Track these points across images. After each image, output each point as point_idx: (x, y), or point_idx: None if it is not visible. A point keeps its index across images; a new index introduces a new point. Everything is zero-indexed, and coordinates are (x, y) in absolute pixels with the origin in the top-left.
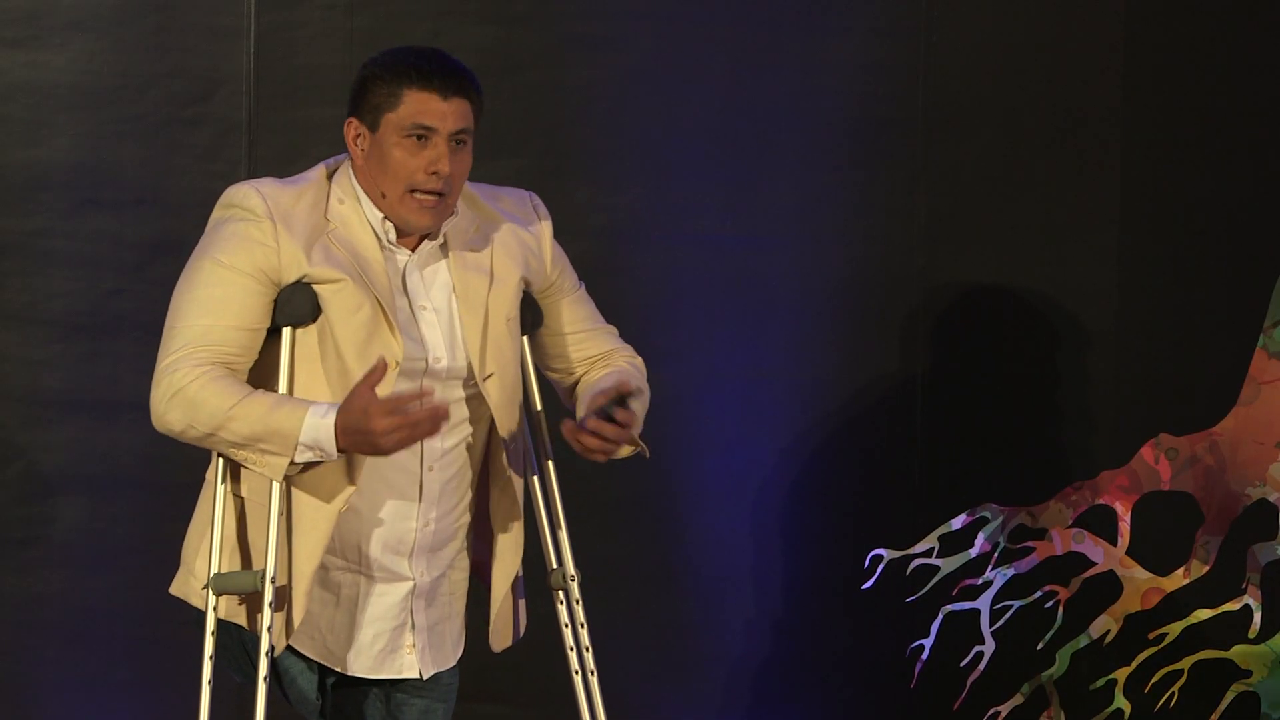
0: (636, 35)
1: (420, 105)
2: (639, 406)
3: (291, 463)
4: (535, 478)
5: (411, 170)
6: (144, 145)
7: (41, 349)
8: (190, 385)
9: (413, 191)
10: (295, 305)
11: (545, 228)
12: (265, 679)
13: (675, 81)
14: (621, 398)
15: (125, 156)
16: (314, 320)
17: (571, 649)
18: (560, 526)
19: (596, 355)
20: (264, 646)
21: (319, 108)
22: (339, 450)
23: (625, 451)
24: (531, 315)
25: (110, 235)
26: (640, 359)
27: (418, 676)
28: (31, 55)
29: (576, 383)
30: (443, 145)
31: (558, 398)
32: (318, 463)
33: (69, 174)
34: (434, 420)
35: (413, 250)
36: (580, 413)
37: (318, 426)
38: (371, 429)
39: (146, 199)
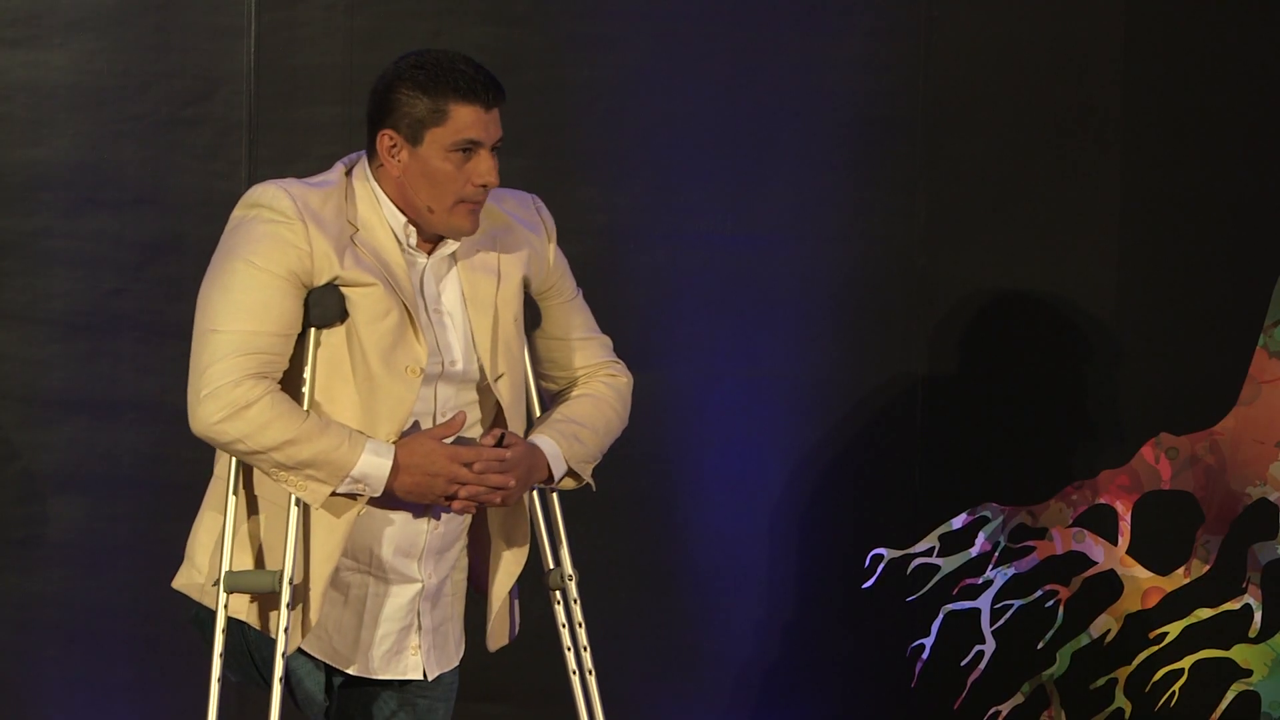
0: (636, 35)
1: (467, 120)
2: (542, 444)
3: (333, 492)
4: None
5: (461, 184)
6: (144, 145)
7: (41, 349)
8: (258, 404)
9: (462, 202)
10: (325, 307)
11: (549, 231)
12: (281, 680)
13: (675, 81)
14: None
15: (125, 156)
16: (340, 323)
17: (569, 649)
18: (558, 526)
19: (584, 367)
20: (280, 648)
21: (319, 107)
22: (387, 489)
23: (568, 484)
24: (529, 314)
25: (110, 235)
26: (627, 378)
27: (422, 677)
28: (31, 55)
29: (561, 393)
30: (489, 157)
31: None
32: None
33: (69, 174)
34: (501, 489)
35: (429, 254)
36: None
37: (373, 464)
38: (454, 475)
39: (146, 199)
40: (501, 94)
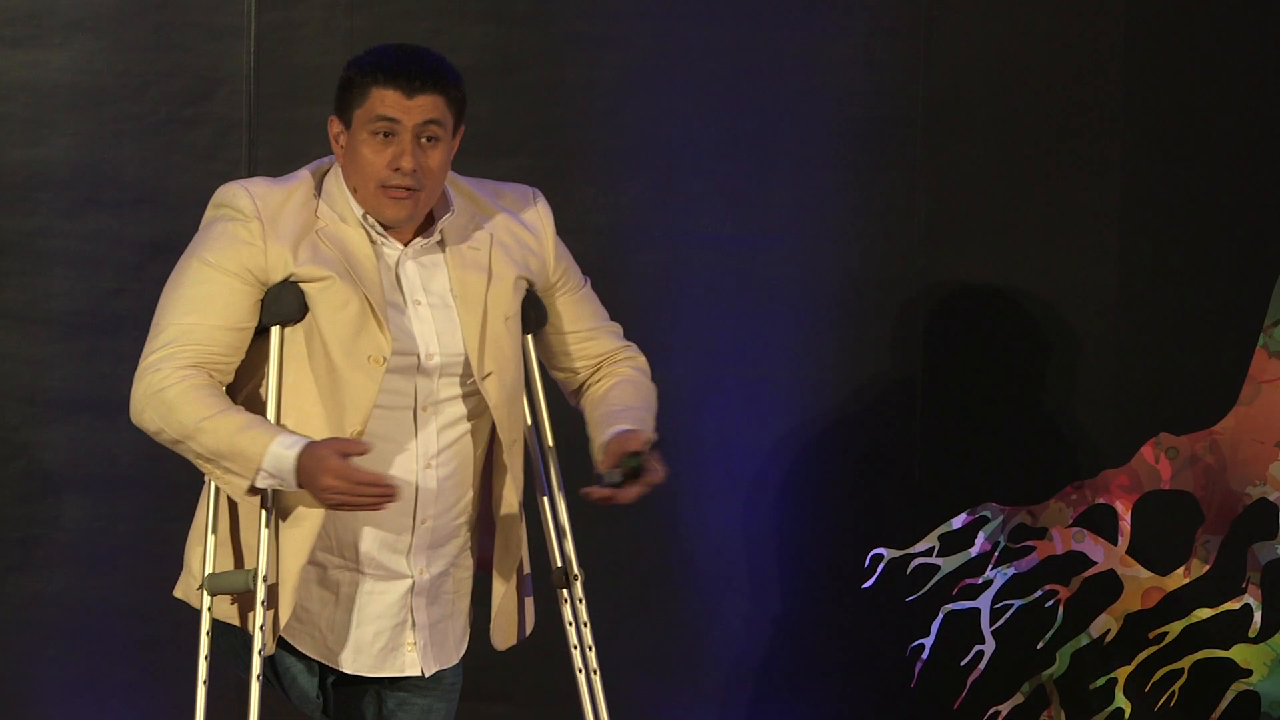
0: (636, 35)
1: (383, 100)
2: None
3: (252, 486)
4: (539, 476)
5: (378, 167)
6: (144, 145)
7: (41, 349)
8: (170, 389)
9: (383, 187)
10: (282, 304)
11: (547, 225)
12: (259, 677)
13: (675, 81)
14: (636, 455)
15: (125, 156)
16: (301, 319)
17: (575, 648)
18: (564, 526)
19: (600, 356)
20: (256, 645)
21: (319, 107)
22: (299, 484)
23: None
24: (535, 314)
25: (110, 235)
26: (644, 359)
27: (419, 674)
28: (31, 55)
29: (581, 386)
30: (407, 141)
31: (561, 397)
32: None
33: (69, 174)
34: (379, 499)
35: (405, 244)
36: (596, 451)
37: (280, 457)
38: (318, 484)
39: (146, 199)
40: (435, 82)
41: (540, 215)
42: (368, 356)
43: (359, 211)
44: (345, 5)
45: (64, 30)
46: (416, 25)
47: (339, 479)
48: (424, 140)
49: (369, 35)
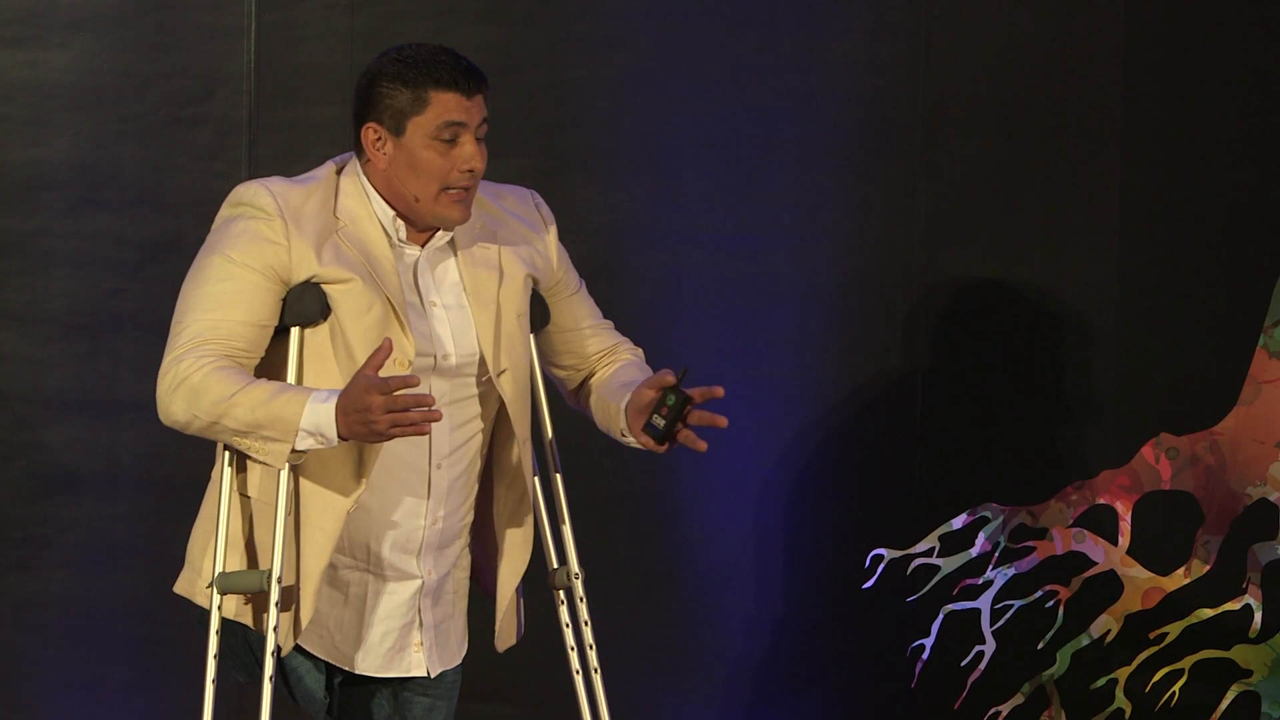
0: (636, 35)
1: (447, 105)
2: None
3: (294, 450)
4: (537, 476)
5: (446, 170)
6: (144, 145)
7: (41, 349)
8: (193, 375)
9: (446, 190)
10: (304, 305)
11: (550, 225)
12: (271, 678)
13: (675, 81)
14: (672, 389)
15: (125, 156)
16: (323, 320)
17: (573, 648)
18: (564, 525)
19: (601, 351)
20: (270, 646)
21: (319, 107)
22: (340, 437)
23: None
24: (539, 312)
25: (110, 235)
26: (640, 350)
27: (425, 675)
28: (31, 55)
29: (583, 381)
30: (472, 142)
31: (560, 396)
32: (326, 449)
33: (69, 174)
34: (425, 406)
35: (421, 246)
36: (619, 418)
37: (318, 412)
38: (369, 405)
39: (146, 199)
40: (482, 82)
41: (542, 216)
42: (393, 360)
43: (388, 214)
44: (345, 5)
45: (64, 30)
46: (416, 25)
47: (377, 393)
48: (478, 139)
49: (369, 35)
